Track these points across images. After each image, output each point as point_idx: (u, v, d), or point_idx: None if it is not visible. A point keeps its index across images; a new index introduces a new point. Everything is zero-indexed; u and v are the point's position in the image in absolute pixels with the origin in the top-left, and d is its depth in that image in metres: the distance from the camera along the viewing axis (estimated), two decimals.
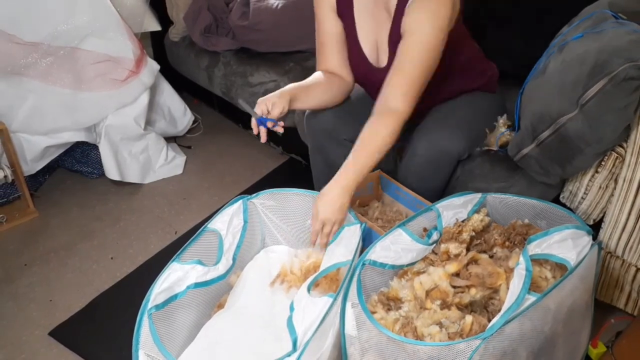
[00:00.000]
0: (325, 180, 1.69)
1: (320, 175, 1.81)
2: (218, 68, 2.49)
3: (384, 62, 1.61)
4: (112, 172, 2.28)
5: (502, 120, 1.69)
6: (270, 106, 1.50)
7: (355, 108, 1.72)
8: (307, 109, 1.70)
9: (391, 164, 1.79)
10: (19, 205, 2.23)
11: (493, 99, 1.76)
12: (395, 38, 1.52)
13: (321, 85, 1.65)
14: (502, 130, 1.68)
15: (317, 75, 1.67)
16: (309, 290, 1.23)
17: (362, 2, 1.58)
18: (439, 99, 1.68)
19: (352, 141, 1.69)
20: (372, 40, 1.62)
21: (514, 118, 1.65)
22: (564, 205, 1.57)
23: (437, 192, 1.67)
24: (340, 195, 1.39)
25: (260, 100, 1.51)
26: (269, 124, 1.52)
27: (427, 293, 1.28)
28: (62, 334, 1.72)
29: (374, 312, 1.23)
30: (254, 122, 1.52)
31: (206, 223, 1.44)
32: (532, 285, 1.16)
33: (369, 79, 1.67)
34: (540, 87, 1.50)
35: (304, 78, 2.25)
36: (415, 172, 1.62)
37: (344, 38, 1.65)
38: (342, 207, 1.40)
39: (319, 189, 1.61)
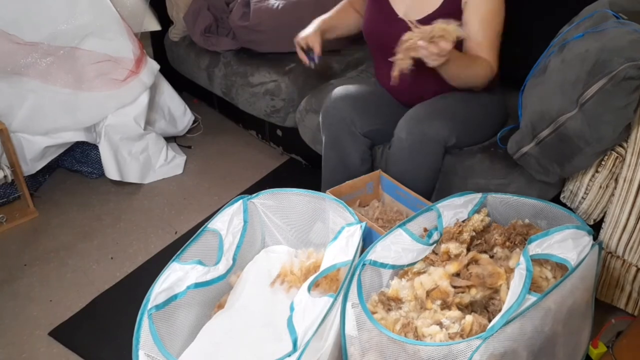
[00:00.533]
0: (335, 179, 1.71)
1: (330, 174, 1.81)
2: (218, 68, 2.49)
3: (414, 17, 1.63)
4: (112, 172, 2.28)
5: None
6: (312, 44, 1.79)
7: (372, 103, 1.78)
8: (333, 38, 1.94)
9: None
10: (19, 205, 2.23)
11: (490, 96, 1.77)
12: (450, 6, 1.62)
13: (344, 13, 1.94)
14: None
15: (340, 6, 1.95)
16: (309, 290, 1.23)
17: None
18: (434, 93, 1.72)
19: (367, 136, 1.73)
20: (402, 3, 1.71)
21: (515, 116, 1.66)
22: (564, 205, 1.57)
23: (427, 181, 1.67)
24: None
25: (300, 39, 1.82)
26: (316, 59, 1.82)
27: (428, 293, 1.28)
28: (63, 333, 1.72)
29: (374, 312, 1.23)
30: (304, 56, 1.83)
31: (206, 223, 1.44)
32: (532, 285, 1.16)
33: (390, 35, 1.65)
34: (540, 86, 1.51)
35: (305, 78, 2.28)
36: (401, 157, 1.63)
37: None
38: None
39: (325, 189, 1.63)
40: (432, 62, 1.43)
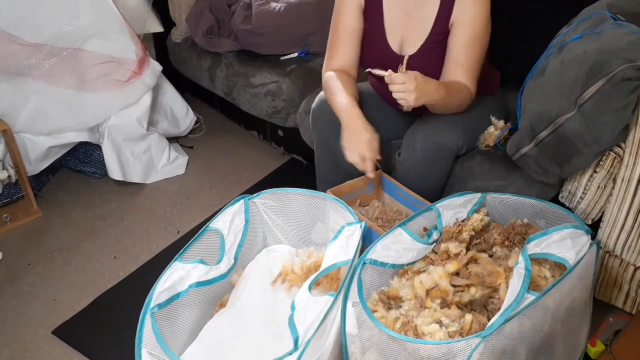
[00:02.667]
0: (329, 180, 1.71)
1: (324, 174, 1.81)
2: (220, 69, 2.50)
3: (408, 52, 1.65)
4: (115, 172, 2.29)
5: (493, 119, 1.71)
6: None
7: (365, 106, 1.74)
8: None
9: (393, 162, 1.80)
10: (23, 205, 2.24)
11: (492, 99, 1.78)
12: (439, 28, 1.59)
13: (351, 85, 1.68)
14: (500, 128, 1.70)
15: (340, 79, 1.65)
16: (310, 289, 1.23)
17: None
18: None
19: None
20: (398, 32, 1.66)
21: (515, 118, 1.66)
22: (562, 204, 1.57)
23: (437, 189, 1.68)
24: (434, 86, 1.46)
25: (367, 162, 1.54)
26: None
27: (427, 292, 1.28)
28: (66, 332, 1.73)
29: (374, 311, 1.23)
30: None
31: (208, 222, 1.45)
32: (531, 284, 1.16)
33: (388, 67, 1.68)
34: (539, 87, 1.51)
35: (305, 79, 2.29)
36: (413, 167, 1.63)
37: (360, 36, 1.69)
38: (424, 92, 1.44)
39: (322, 189, 1.62)
40: (405, 103, 1.45)
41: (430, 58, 1.62)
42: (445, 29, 1.59)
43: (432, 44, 1.61)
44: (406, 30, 1.64)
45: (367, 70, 1.57)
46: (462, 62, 1.57)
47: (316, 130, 1.75)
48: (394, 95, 1.45)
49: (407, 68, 1.47)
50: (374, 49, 1.70)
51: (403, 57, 1.57)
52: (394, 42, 1.67)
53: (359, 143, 1.53)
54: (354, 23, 1.67)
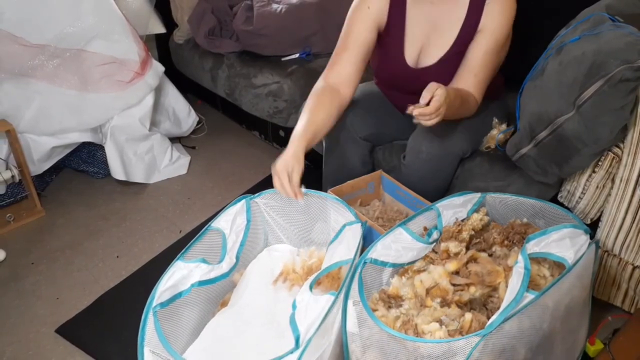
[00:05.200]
0: (337, 181, 1.71)
1: (330, 175, 1.82)
2: (222, 70, 2.51)
3: (422, 65, 1.64)
4: (117, 172, 2.30)
5: (495, 122, 1.72)
6: (291, 173, 1.44)
7: (371, 106, 1.74)
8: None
9: (394, 162, 1.81)
10: (26, 204, 2.25)
11: (498, 103, 1.79)
12: (465, 36, 1.57)
13: (324, 112, 1.54)
14: (502, 129, 1.70)
15: (319, 99, 1.55)
16: (311, 288, 1.23)
17: (419, 3, 1.60)
18: None
19: (368, 140, 1.72)
20: (418, 42, 1.63)
21: (515, 119, 1.66)
22: (561, 204, 1.58)
23: (441, 191, 1.68)
24: (451, 97, 1.40)
25: (277, 171, 1.43)
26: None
27: (428, 291, 1.28)
28: (69, 331, 1.74)
29: (375, 310, 1.23)
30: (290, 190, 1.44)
31: (210, 222, 1.45)
32: (530, 284, 1.16)
33: (401, 80, 1.67)
34: (538, 88, 1.51)
35: (307, 80, 2.29)
36: (418, 170, 1.63)
37: (369, 50, 1.62)
38: (450, 108, 1.40)
39: (326, 189, 1.63)
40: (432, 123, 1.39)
41: (448, 69, 1.60)
42: (471, 37, 1.56)
43: (454, 55, 1.59)
44: (427, 41, 1.62)
45: (408, 111, 1.40)
46: (476, 73, 1.55)
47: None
48: (426, 122, 1.37)
49: (425, 77, 1.46)
50: (390, 63, 1.69)
51: (417, 70, 1.58)
52: (411, 55, 1.65)
53: (282, 158, 1.43)
54: (366, 36, 1.60)
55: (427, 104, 1.34)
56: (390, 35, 1.64)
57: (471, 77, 1.56)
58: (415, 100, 1.37)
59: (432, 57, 1.63)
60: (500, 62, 1.60)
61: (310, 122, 1.49)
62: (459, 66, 1.58)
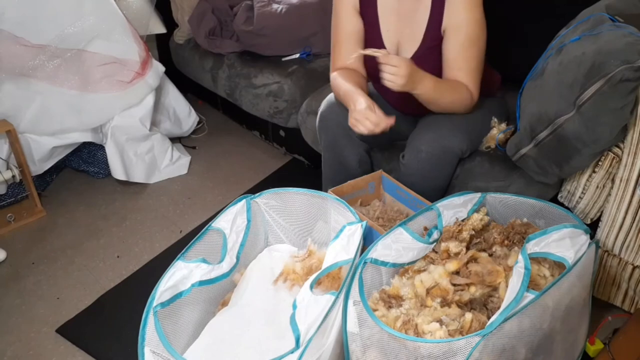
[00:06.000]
0: (335, 179, 1.71)
1: (330, 174, 1.82)
2: (222, 70, 2.51)
3: (405, 56, 1.65)
4: (118, 172, 2.30)
5: (494, 121, 1.72)
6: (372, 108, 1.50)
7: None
8: None
9: (394, 162, 1.81)
10: (27, 204, 2.25)
11: (493, 101, 1.79)
12: (432, 34, 1.59)
13: (360, 78, 1.69)
14: (501, 129, 1.70)
15: (343, 75, 1.66)
16: (311, 288, 1.23)
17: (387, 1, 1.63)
18: None
19: (366, 141, 1.72)
20: (394, 36, 1.66)
21: (516, 119, 1.66)
22: (562, 204, 1.58)
23: (440, 190, 1.68)
24: (422, 77, 1.49)
25: (362, 113, 1.49)
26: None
27: (428, 291, 1.29)
28: (69, 331, 1.74)
29: (375, 310, 1.24)
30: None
31: (210, 222, 1.45)
32: (530, 283, 1.17)
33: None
34: (538, 88, 1.51)
35: (307, 80, 2.29)
36: (418, 169, 1.63)
37: (361, 36, 1.69)
38: (414, 80, 1.47)
39: (326, 189, 1.63)
40: (392, 85, 1.46)
41: (426, 63, 1.60)
42: (438, 35, 1.59)
43: (426, 50, 1.62)
44: (401, 35, 1.65)
45: (361, 52, 1.54)
46: (459, 67, 1.58)
47: (323, 132, 1.76)
48: (384, 75, 1.45)
49: None
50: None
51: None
52: (390, 45, 1.67)
53: (359, 112, 1.49)
54: (352, 24, 1.67)
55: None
56: (367, 23, 1.68)
57: (456, 72, 1.58)
58: (407, 96, 1.51)
59: (409, 51, 1.66)
60: (482, 52, 1.60)
61: (354, 83, 1.61)
62: (442, 69, 1.61)
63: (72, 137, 2.23)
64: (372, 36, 1.68)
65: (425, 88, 1.50)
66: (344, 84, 1.63)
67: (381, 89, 1.83)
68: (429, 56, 1.62)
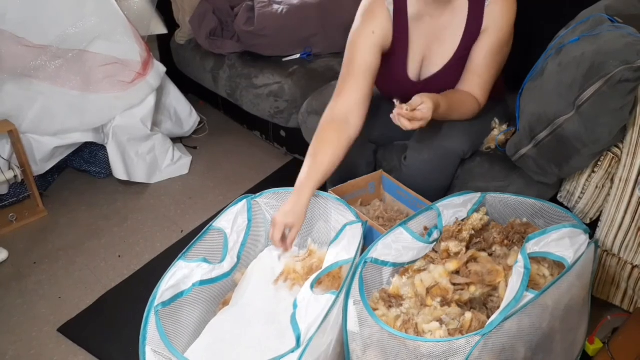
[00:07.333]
0: (339, 179, 1.70)
1: (334, 174, 1.80)
2: (223, 70, 2.51)
3: (425, 75, 1.65)
4: (119, 172, 2.31)
5: (495, 122, 1.72)
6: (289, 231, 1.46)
7: (376, 107, 1.73)
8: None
9: (394, 162, 1.81)
10: (29, 204, 2.26)
11: (499, 104, 1.79)
12: (469, 38, 1.57)
13: (330, 151, 1.50)
14: (502, 130, 1.71)
15: (327, 136, 1.51)
16: (312, 287, 1.24)
17: (419, 19, 1.59)
18: None
19: (373, 142, 1.72)
20: (419, 54, 1.64)
21: (515, 120, 1.67)
22: (561, 204, 1.59)
23: (442, 191, 1.68)
24: (437, 105, 1.44)
25: (276, 223, 1.43)
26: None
27: (428, 290, 1.29)
28: (71, 330, 1.74)
29: (375, 309, 1.24)
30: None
31: (211, 222, 1.46)
32: (530, 283, 1.17)
33: (404, 94, 1.66)
34: (537, 88, 1.51)
35: (308, 80, 2.29)
36: (419, 170, 1.63)
37: (375, 73, 1.60)
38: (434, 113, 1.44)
39: (328, 188, 1.63)
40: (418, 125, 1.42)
41: (452, 75, 1.60)
42: (475, 39, 1.56)
43: (458, 60, 1.59)
44: (429, 52, 1.62)
45: (397, 103, 1.43)
46: (480, 74, 1.57)
47: None
48: (407, 126, 1.40)
49: (428, 87, 1.49)
50: (393, 80, 1.69)
51: (420, 82, 1.61)
52: (413, 69, 1.65)
53: (278, 213, 1.44)
54: (370, 60, 1.57)
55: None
56: (394, 53, 1.63)
57: (475, 79, 1.58)
58: (410, 98, 1.45)
59: (436, 66, 1.63)
60: (503, 62, 1.61)
61: (314, 169, 1.46)
62: (464, 69, 1.60)
63: (73, 137, 2.24)
64: (397, 64, 1.65)
65: (438, 115, 1.46)
66: (315, 154, 1.49)
67: (385, 91, 1.83)
68: (458, 68, 1.60)
